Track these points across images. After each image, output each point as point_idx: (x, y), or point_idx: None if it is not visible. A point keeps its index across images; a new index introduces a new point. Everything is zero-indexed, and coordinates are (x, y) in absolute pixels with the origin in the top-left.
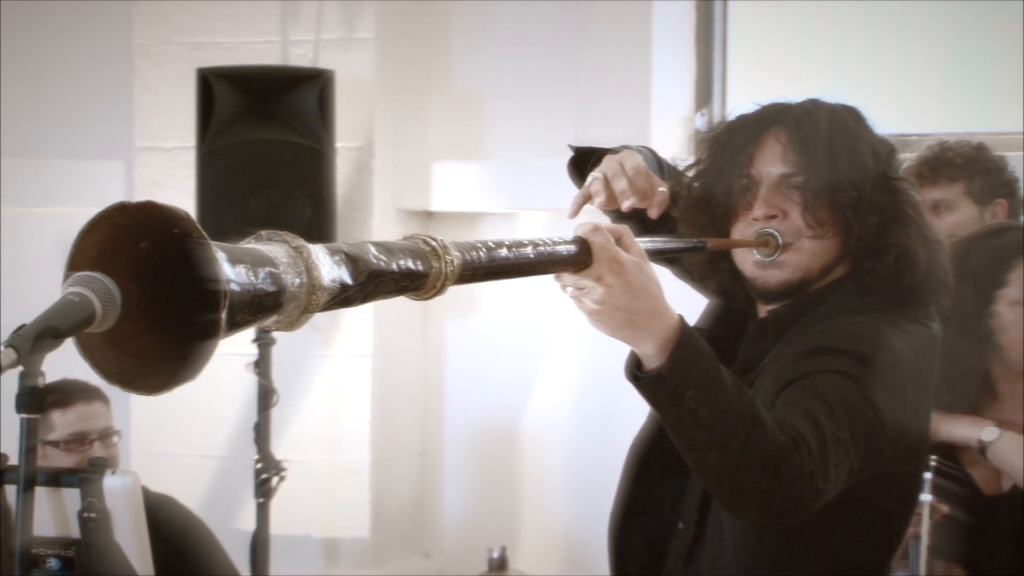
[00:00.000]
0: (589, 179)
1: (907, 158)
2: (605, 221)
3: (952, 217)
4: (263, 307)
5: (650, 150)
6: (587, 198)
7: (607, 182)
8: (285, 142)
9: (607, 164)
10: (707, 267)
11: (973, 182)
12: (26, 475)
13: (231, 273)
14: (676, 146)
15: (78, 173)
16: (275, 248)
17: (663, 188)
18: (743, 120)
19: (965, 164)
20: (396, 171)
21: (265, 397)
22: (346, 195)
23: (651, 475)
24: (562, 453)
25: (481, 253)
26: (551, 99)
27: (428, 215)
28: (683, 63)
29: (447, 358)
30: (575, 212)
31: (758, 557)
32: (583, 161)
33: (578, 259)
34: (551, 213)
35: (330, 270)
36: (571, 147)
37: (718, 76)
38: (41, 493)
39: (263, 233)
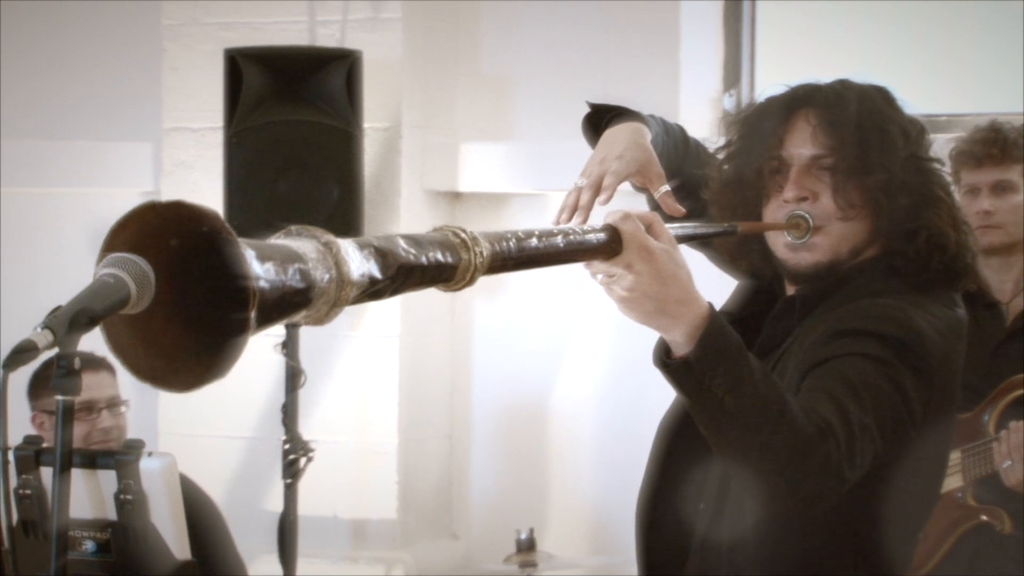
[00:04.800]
0: (572, 187)
1: (957, 138)
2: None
3: (1016, 197)
4: (292, 303)
5: (680, 128)
6: (570, 211)
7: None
8: (312, 123)
9: (588, 165)
10: (738, 249)
11: None
12: (62, 456)
13: (260, 270)
14: (704, 127)
15: (107, 154)
16: (304, 243)
17: (665, 187)
18: (773, 101)
19: None
20: (424, 152)
21: (293, 378)
22: (373, 176)
23: (679, 457)
24: (590, 434)
25: (511, 243)
26: (579, 79)
27: (456, 196)
28: (711, 43)
29: (475, 339)
30: (559, 223)
31: (779, 540)
32: (599, 117)
33: (608, 247)
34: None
35: (359, 265)
36: (589, 103)
37: (746, 56)
38: (77, 475)
39: (292, 228)
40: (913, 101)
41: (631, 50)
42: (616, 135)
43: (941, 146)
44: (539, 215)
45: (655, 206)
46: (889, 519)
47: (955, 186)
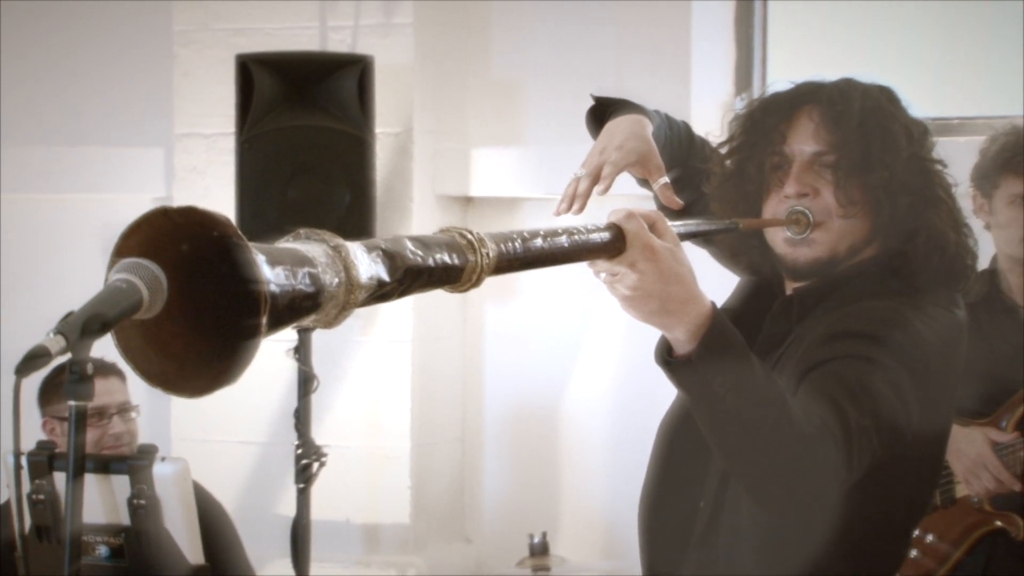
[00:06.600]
0: (572, 177)
1: (977, 141)
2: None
3: None
4: (302, 308)
5: (684, 123)
6: (569, 200)
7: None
8: (324, 128)
9: (589, 155)
10: (738, 245)
11: None
12: (75, 462)
13: (271, 275)
14: (716, 131)
15: (118, 160)
16: (313, 247)
17: (664, 179)
18: (777, 98)
19: None
20: (435, 157)
21: (305, 383)
22: (385, 181)
23: (680, 455)
24: (602, 438)
25: (516, 244)
26: (590, 84)
27: (467, 201)
28: (723, 48)
29: (487, 343)
30: (559, 212)
31: (776, 538)
32: (603, 110)
33: (612, 246)
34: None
35: (368, 268)
36: (593, 96)
37: (758, 61)
38: (90, 480)
39: (302, 231)
40: (925, 104)
41: (642, 55)
42: (617, 126)
43: (954, 150)
44: (550, 219)
45: (661, 204)
46: (883, 519)
47: (972, 190)
